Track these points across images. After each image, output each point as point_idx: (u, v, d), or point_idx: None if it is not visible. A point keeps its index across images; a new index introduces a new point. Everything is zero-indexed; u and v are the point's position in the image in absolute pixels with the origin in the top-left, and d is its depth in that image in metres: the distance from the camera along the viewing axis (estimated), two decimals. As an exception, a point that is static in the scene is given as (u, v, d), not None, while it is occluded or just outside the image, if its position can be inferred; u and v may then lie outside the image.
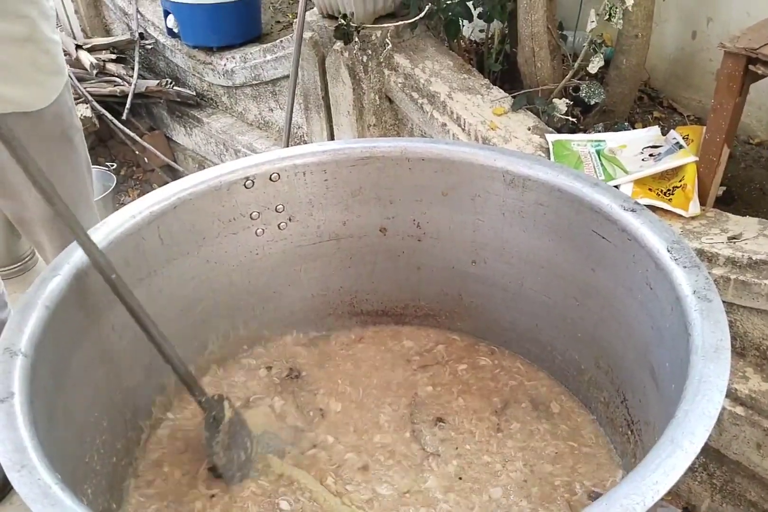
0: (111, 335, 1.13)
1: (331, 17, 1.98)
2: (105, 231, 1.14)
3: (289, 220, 1.37)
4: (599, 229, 1.17)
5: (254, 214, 1.33)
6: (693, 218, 1.48)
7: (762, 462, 1.41)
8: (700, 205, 1.50)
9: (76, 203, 1.56)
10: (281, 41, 2.33)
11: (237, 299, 1.39)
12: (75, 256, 1.08)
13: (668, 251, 1.04)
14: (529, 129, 1.72)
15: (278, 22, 2.86)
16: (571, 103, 1.79)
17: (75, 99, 2.74)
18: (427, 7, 1.78)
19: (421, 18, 1.78)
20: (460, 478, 1.21)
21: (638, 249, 1.09)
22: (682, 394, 0.84)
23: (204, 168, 2.93)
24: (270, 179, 1.32)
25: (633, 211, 1.13)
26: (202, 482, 1.21)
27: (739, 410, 1.41)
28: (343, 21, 1.80)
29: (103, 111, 2.74)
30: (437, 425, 1.30)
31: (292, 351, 1.47)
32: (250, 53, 2.51)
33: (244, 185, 1.30)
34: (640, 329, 1.13)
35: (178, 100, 2.81)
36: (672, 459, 0.75)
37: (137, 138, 2.81)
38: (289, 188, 1.34)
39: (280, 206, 1.35)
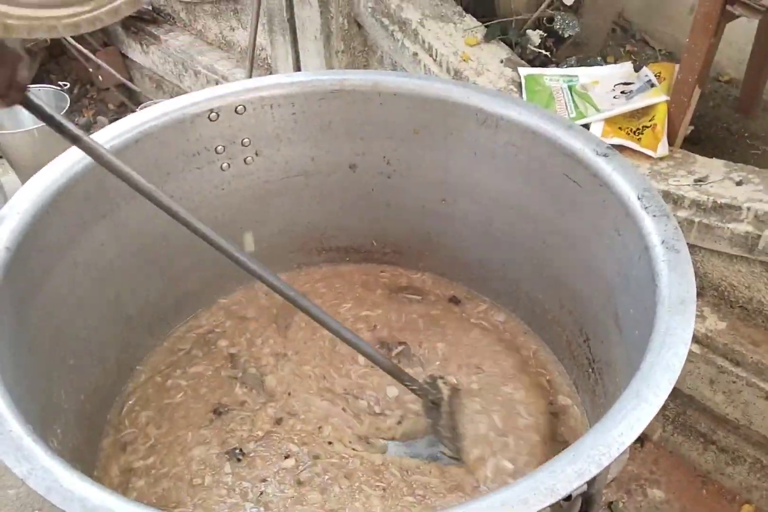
0: (74, 272, 1.11)
1: (297, -69, 1.87)
2: (65, 165, 1.10)
3: (256, 154, 1.33)
4: (571, 172, 1.17)
5: (219, 147, 1.29)
6: (661, 159, 1.48)
7: (713, 396, 1.48)
8: (669, 145, 1.50)
9: None
10: (244, -45, 2.20)
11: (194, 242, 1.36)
12: (35, 192, 1.04)
13: (639, 199, 1.04)
14: (501, 61, 1.68)
15: (240, -68, 2.69)
16: (545, 34, 1.75)
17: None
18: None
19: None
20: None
21: (609, 195, 1.09)
22: (648, 346, 0.86)
23: (162, 88, 2.83)
24: (235, 111, 1.27)
25: (605, 156, 1.12)
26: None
27: (695, 348, 1.46)
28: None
29: None
30: (401, 349, 1.33)
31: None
32: (210, -33, 2.37)
33: (209, 117, 1.25)
34: (607, 274, 1.14)
35: (134, 14, 2.66)
36: (637, 411, 0.78)
37: (90, 54, 2.66)
38: (255, 121, 1.30)
39: (246, 140, 1.31)
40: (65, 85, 2.60)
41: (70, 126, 0.86)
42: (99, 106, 2.95)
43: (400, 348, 1.34)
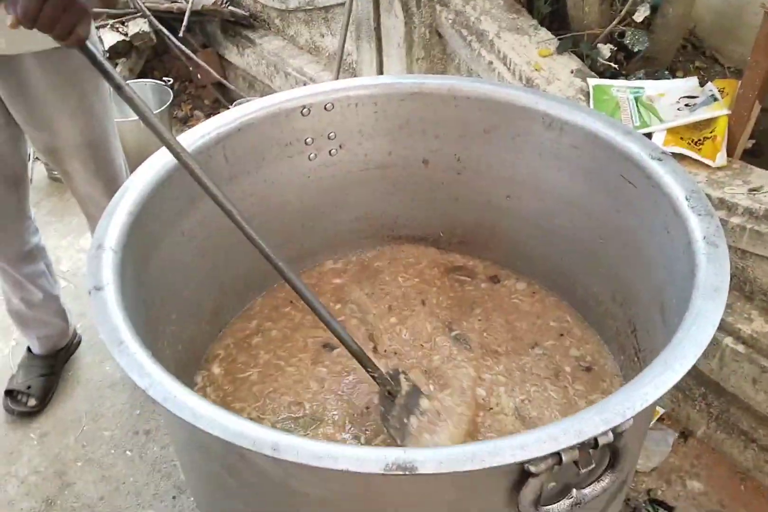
0: (181, 240, 1.27)
1: (390, -51, 2.02)
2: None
3: (340, 147, 1.48)
4: (627, 174, 1.27)
5: (308, 139, 1.44)
6: (719, 168, 1.57)
7: (756, 395, 1.55)
8: (728, 156, 1.58)
9: (106, 129, 1.65)
10: (337, -32, 2.38)
11: (288, 217, 1.52)
12: (154, 168, 1.21)
13: (686, 199, 1.15)
14: (572, 72, 1.79)
15: (335, -55, 2.87)
16: (615, 48, 1.85)
17: (133, 13, 2.82)
18: (485, -54, 1.82)
19: (478, -44, 1.83)
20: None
21: (660, 195, 1.19)
22: (680, 325, 0.96)
23: (254, 88, 3.03)
24: (324, 108, 1.42)
25: (659, 159, 1.23)
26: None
27: (740, 348, 1.53)
28: (401, -45, 1.86)
29: (160, 26, 2.82)
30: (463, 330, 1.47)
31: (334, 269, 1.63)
32: (306, -23, 2.55)
33: (301, 112, 1.41)
34: (656, 269, 1.24)
35: (232, 19, 2.88)
36: (663, 376, 0.88)
37: (191, 54, 2.89)
38: (341, 118, 1.44)
39: (332, 134, 1.46)
40: (169, 80, 2.83)
41: (116, 74, 1.02)
42: (196, 101, 3.18)
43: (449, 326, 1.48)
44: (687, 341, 0.92)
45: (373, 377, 1.20)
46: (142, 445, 1.87)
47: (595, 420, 0.83)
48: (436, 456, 0.81)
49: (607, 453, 0.90)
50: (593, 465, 0.87)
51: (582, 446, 0.83)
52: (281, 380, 1.39)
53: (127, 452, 1.86)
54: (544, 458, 0.81)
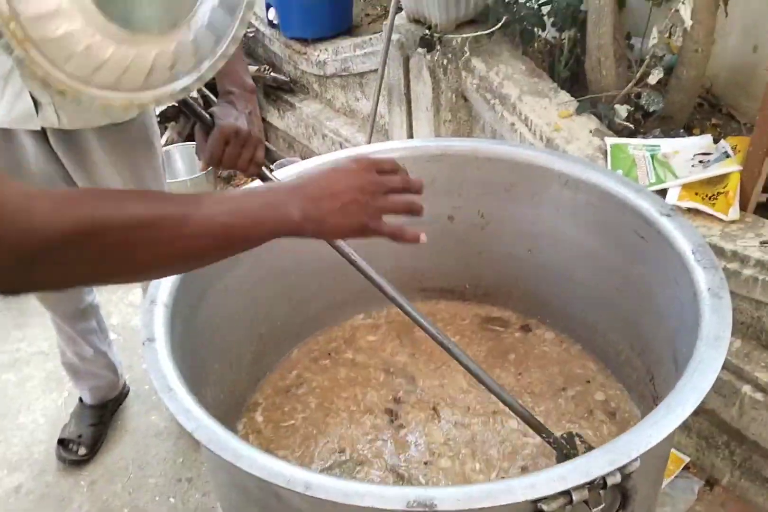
0: (224, 294, 1.38)
1: (417, 21, 2.18)
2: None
3: (371, 206, 1.59)
4: (639, 229, 1.35)
5: (342, 200, 1.55)
6: (732, 222, 1.64)
7: (777, 443, 1.59)
8: (741, 210, 1.65)
9: None
10: (370, 39, 2.54)
11: (320, 271, 1.61)
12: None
13: (693, 253, 1.22)
14: (590, 132, 1.89)
15: (367, 14, 3.06)
16: (632, 108, 1.95)
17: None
18: (503, 18, 1.96)
19: (498, 28, 1.97)
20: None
21: (669, 249, 1.27)
22: (684, 372, 1.03)
23: (294, 148, 3.20)
24: (357, 171, 1.54)
25: (668, 215, 1.31)
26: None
27: (759, 396, 1.57)
28: (427, 32, 2.01)
29: (207, 92, 3.01)
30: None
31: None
32: (342, 47, 2.73)
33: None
34: (668, 319, 1.31)
35: (274, 85, 3.07)
36: (666, 420, 0.94)
37: (234, 119, 3.07)
38: (372, 178, 1.56)
39: (363, 194, 1.57)
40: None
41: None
42: (238, 162, 3.35)
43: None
44: (689, 387, 0.99)
45: (548, 442, 1.19)
46: (185, 492, 1.96)
47: (602, 461, 0.89)
48: (453, 494, 0.87)
49: (617, 493, 0.95)
50: (603, 505, 0.93)
51: (591, 486, 0.89)
52: (323, 428, 1.47)
53: (171, 499, 1.94)
54: (555, 497, 0.87)
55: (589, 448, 1.20)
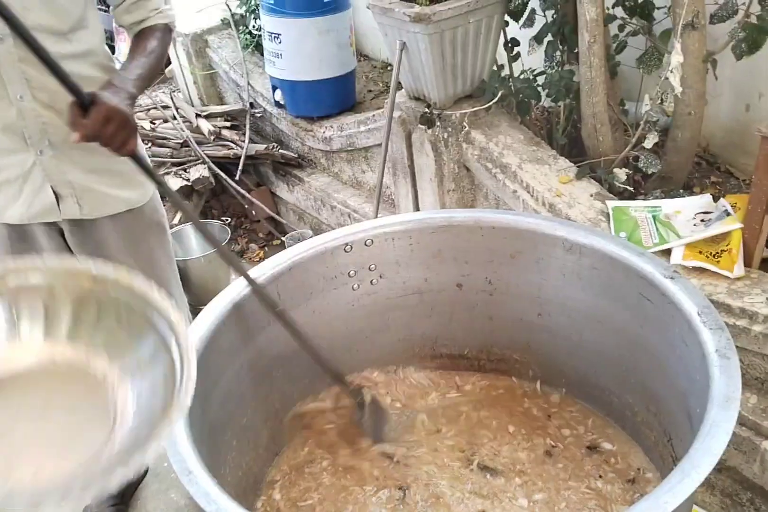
0: (239, 373, 1.41)
1: (417, 99, 2.27)
2: (237, 289, 1.42)
3: (380, 277, 1.63)
4: (644, 291, 1.38)
5: (351, 272, 1.59)
6: (738, 279, 1.66)
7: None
8: (746, 266, 1.68)
9: (169, 280, 1.83)
10: (373, 115, 2.65)
11: (335, 342, 1.64)
12: (213, 313, 1.36)
13: (698, 314, 1.24)
14: (591, 195, 1.93)
15: (370, 91, 3.19)
16: (631, 171, 2.00)
17: (194, 161, 3.13)
18: (500, 93, 2.04)
19: (494, 102, 2.05)
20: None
21: (675, 311, 1.29)
22: (697, 435, 1.03)
23: (303, 220, 3.27)
24: (365, 244, 1.58)
25: (672, 278, 1.33)
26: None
27: (780, 454, 1.56)
28: (426, 109, 2.10)
29: (218, 171, 3.13)
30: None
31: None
32: (346, 124, 2.84)
33: (344, 249, 1.57)
34: (679, 379, 1.31)
35: (283, 161, 3.17)
36: (681, 485, 0.95)
37: (246, 193, 3.17)
38: (380, 251, 1.60)
39: (373, 266, 1.61)
40: (227, 220, 3.10)
41: (157, 174, 1.34)
42: (251, 234, 3.43)
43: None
44: (702, 451, 1.00)
45: (349, 391, 1.49)
46: (207, 571, 1.92)
47: (619, 528, 0.89)
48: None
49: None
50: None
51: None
52: (342, 505, 1.45)
53: (193, 578, 1.91)
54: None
55: (374, 398, 1.55)
